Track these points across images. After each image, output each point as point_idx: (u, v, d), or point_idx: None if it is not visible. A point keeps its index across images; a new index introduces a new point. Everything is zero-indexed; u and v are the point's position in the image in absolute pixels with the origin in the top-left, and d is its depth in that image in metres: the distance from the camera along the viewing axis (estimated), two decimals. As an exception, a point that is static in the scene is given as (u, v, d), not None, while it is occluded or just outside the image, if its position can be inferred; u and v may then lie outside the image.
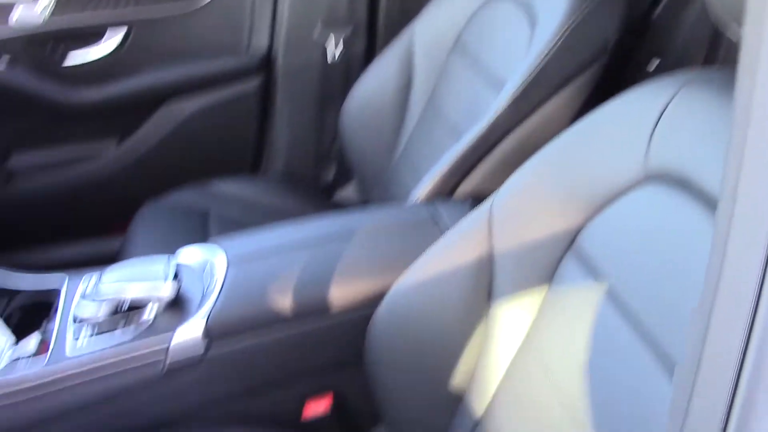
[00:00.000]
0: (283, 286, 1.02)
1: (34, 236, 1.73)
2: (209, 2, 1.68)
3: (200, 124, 1.76)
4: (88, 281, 1.07)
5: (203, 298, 1.02)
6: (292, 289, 1.02)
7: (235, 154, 1.82)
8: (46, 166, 1.72)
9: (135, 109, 1.72)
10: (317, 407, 1.07)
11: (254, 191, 1.64)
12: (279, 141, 1.80)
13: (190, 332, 0.99)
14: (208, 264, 1.08)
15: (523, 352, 0.85)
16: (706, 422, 0.43)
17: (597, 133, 0.81)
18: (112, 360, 0.96)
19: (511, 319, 0.86)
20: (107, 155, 1.75)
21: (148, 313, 1.01)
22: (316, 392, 1.08)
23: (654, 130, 0.74)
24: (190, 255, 1.11)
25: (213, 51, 1.74)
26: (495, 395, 0.86)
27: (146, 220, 1.52)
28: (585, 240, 0.80)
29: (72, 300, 1.06)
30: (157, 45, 1.70)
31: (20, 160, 1.72)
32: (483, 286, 0.87)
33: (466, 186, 1.21)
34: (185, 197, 1.57)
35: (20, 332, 1.04)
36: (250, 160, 1.83)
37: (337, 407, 1.08)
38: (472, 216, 0.91)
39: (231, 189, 1.62)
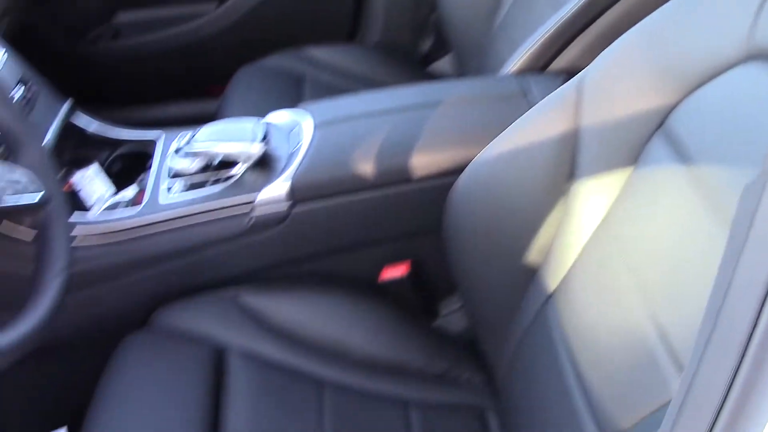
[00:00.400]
0: (368, 151, 1.03)
1: (135, 95, 1.79)
2: None
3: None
4: (182, 138, 1.11)
5: (289, 159, 1.05)
6: (376, 155, 1.03)
7: (332, 22, 1.81)
8: (149, 25, 1.75)
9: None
10: (394, 272, 1.10)
11: (350, 59, 1.63)
12: (376, 10, 1.77)
13: (275, 191, 1.02)
14: (296, 127, 1.10)
15: (601, 233, 0.83)
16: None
17: (697, 7, 0.75)
18: (201, 211, 1.01)
19: (592, 198, 0.84)
20: (207, 16, 1.77)
21: (237, 171, 1.04)
22: (395, 258, 1.10)
23: (763, 3, 0.68)
24: (280, 117, 1.13)
25: None
26: (569, 273, 0.86)
27: (242, 83, 1.55)
28: (675, 120, 0.76)
29: (167, 155, 1.11)
30: None
31: (126, 17, 1.76)
32: (566, 162, 0.85)
33: (560, 61, 1.16)
34: (281, 62, 1.58)
35: (120, 182, 1.11)
36: (346, 29, 1.81)
37: (414, 274, 1.11)
38: (561, 90, 0.88)
39: (327, 56, 1.61)
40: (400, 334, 1.08)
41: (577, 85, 0.85)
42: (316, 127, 1.08)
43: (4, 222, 0.86)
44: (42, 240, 0.80)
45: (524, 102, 1.07)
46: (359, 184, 1.03)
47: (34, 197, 0.79)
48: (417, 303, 1.15)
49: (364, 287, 1.11)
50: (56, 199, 0.82)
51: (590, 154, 0.84)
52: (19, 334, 0.71)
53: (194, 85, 1.80)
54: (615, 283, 0.78)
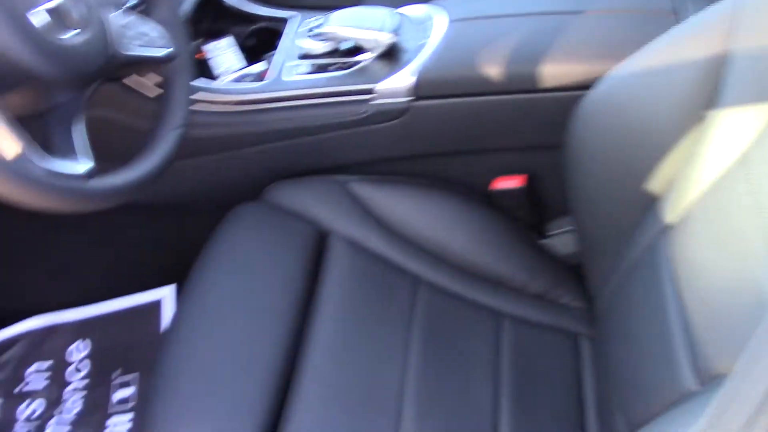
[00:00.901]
0: (499, 53, 0.99)
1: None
2: None
3: None
4: (315, 20, 1.10)
5: (417, 53, 1.02)
6: (507, 58, 0.98)
7: None
8: None
9: None
10: (507, 183, 1.07)
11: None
12: None
13: (398, 83, 1.00)
14: (429, 21, 1.06)
15: (734, 171, 0.77)
16: None
17: None
18: (322, 93, 1.01)
19: (731, 131, 0.77)
20: None
21: (364, 58, 1.03)
22: (509, 169, 1.07)
23: None
24: (414, 10, 1.10)
25: None
26: (691, 208, 0.80)
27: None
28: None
29: (298, 35, 1.11)
30: None
31: None
32: (708, 88, 0.78)
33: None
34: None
35: (249, 58, 1.13)
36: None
37: (528, 188, 1.08)
38: (714, 9, 0.80)
39: None
40: (504, 247, 1.06)
41: (733, 6, 0.77)
42: (450, 22, 1.04)
43: (133, 76, 0.89)
44: (164, 94, 0.83)
45: (672, 19, 0.99)
46: (485, 87, 0.99)
47: (162, 51, 0.81)
48: (526, 218, 1.12)
49: (473, 194, 1.09)
50: (182, 57, 0.84)
51: (738, 82, 0.77)
52: (131, 178, 0.74)
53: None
54: (740, 226, 0.72)
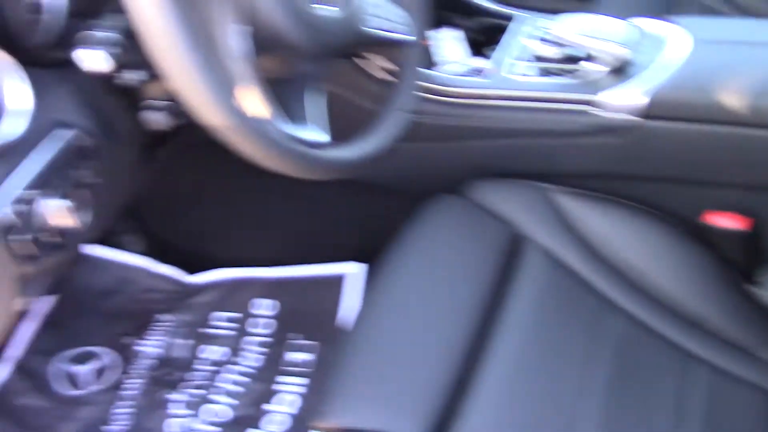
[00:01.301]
0: (743, 82, 0.92)
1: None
2: None
3: None
4: (545, 23, 1.08)
5: (653, 71, 0.97)
6: (751, 89, 0.92)
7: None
8: None
9: None
10: (724, 220, 1.00)
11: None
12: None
13: (625, 99, 0.96)
14: (668, 39, 1.01)
15: None
16: None
17: None
18: (545, 98, 0.99)
19: None
20: None
21: (595, 69, 0.99)
22: (728, 206, 1.00)
23: None
24: (653, 26, 1.05)
25: None
26: None
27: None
28: None
29: (522, 34, 1.09)
30: None
31: None
32: None
33: None
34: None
35: (472, 51, 1.13)
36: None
37: (752, 233, 1.00)
38: None
39: None
40: (708, 285, 1.00)
41: None
42: (695, 43, 0.98)
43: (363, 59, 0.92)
44: (397, 77, 0.84)
45: None
46: (723, 116, 0.93)
47: (402, 36, 0.83)
48: (737, 261, 1.04)
49: (682, 224, 1.03)
50: (418, 45, 0.85)
51: None
52: (357, 153, 0.77)
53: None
54: None
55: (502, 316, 0.90)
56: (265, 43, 0.70)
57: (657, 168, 1.00)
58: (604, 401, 0.85)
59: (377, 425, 0.80)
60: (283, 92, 0.74)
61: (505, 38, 1.11)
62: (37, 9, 0.70)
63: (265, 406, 1.17)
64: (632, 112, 0.96)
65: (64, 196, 0.72)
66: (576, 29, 1.00)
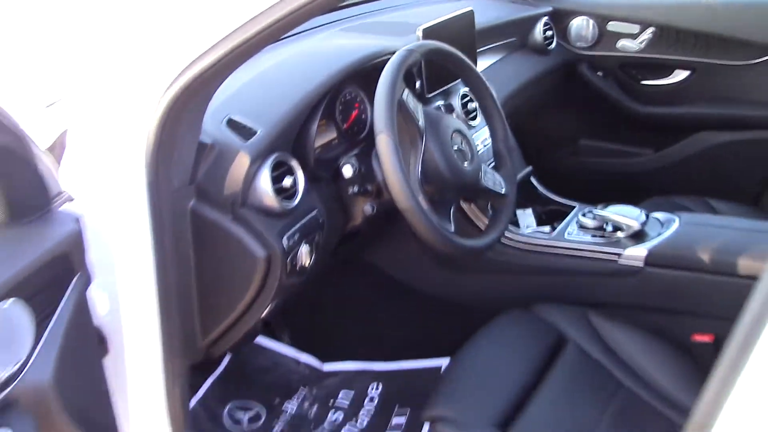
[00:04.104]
0: (709, 246, 1.47)
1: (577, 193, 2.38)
2: (762, 61, 2.11)
3: (725, 154, 2.21)
4: (592, 209, 1.68)
5: (653, 237, 1.54)
6: (714, 250, 1.46)
7: (742, 187, 2.22)
8: (600, 152, 2.39)
9: (676, 129, 2.26)
10: (703, 337, 1.49)
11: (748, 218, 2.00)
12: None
13: (637, 252, 1.52)
14: (668, 221, 1.59)
15: None
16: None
17: None
18: (586, 248, 1.56)
19: None
20: (644, 159, 2.34)
21: (619, 234, 1.57)
22: (705, 328, 1.50)
23: None
24: (659, 213, 1.63)
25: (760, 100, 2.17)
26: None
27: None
28: None
29: (576, 215, 1.69)
30: (712, 86, 2.20)
31: (587, 144, 2.43)
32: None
33: None
34: (684, 202, 2.03)
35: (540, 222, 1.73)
36: (753, 194, 2.21)
37: (714, 347, 1.49)
38: None
39: (726, 209, 1.97)
40: (689, 379, 1.46)
41: None
42: (681, 223, 1.55)
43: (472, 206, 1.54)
44: (492, 218, 1.45)
45: None
46: (700, 268, 1.47)
47: (503, 191, 1.44)
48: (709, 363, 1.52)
49: (674, 340, 1.52)
50: (511, 198, 1.45)
51: None
52: (476, 244, 1.34)
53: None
54: None
55: (546, 376, 1.39)
56: (433, 179, 1.31)
57: (656, 301, 1.53)
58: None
59: (462, 417, 1.28)
60: (438, 207, 1.33)
61: (569, 217, 1.71)
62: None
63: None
64: (638, 261, 1.51)
65: (308, 244, 1.30)
66: (612, 211, 1.60)
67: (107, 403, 1.12)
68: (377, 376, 1.84)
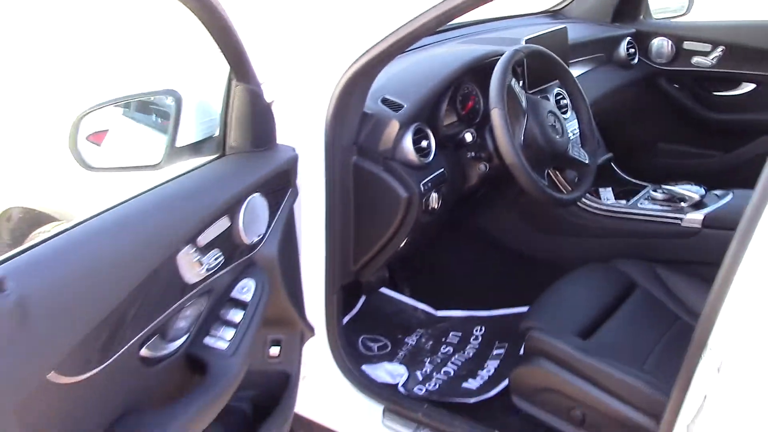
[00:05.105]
0: None
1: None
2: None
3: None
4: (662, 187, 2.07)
5: (710, 206, 1.92)
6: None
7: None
8: (676, 154, 2.77)
9: (742, 134, 2.62)
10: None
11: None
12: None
13: (696, 216, 1.91)
14: (724, 195, 1.96)
15: None
16: None
17: None
18: (655, 214, 1.95)
19: None
20: (714, 160, 2.70)
21: (684, 203, 1.96)
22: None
23: None
24: (717, 190, 2.01)
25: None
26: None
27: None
28: None
29: (649, 191, 2.09)
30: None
31: (664, 147, 2.81)
32: None
33: None
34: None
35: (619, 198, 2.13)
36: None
37: None
38: None
39: None
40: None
41: None
42: (735, 196, 1.93)
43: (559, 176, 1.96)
44: (578, 179, 1.86)
45: None
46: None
47: (586, 161, 1.86)
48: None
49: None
50: (592, 169, 1.87)
51: None
52: (566, 197, 1.76)
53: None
54: None
55: (618, 308, 1.78)
56: (532, 145, 1.75)
57: (711, 256, 1.89)
58: (659, 353, 1.67)
59: (551, 326, 1.69)
60: (535, 168, 1.77)
61: (640, 194, 2.11)
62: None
63: (476, 371, 2.06)
64: (697, 223, 1.90)
65: (436, 192, 1.75)
66: (681, 187, 1.99)
67: (300, 288, 1.59)
68: (480, 320, 2.27)
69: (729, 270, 1.11)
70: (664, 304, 1.83)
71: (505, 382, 1.91)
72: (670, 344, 1.69)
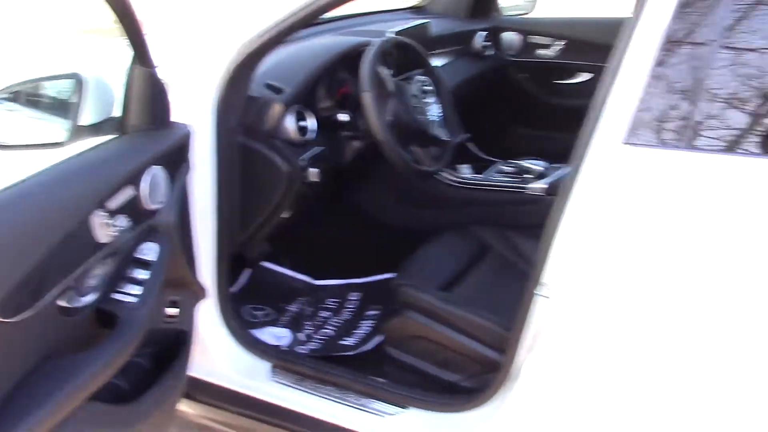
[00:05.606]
0: None
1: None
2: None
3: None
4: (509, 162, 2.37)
5: (552, 176, 2.23)
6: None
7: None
8: (527, 135, 3.11)
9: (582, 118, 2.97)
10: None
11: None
12: None
13: (539, 186, 2.21)
14: (564, 167, 2.28)
15: None
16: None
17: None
18: (505, 184, 2.24)
19: None
20: (557, 142, 3.05)
21: (529, 175, 2.26)
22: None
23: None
24: (560, 165, 2.33)
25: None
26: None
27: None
28: None
29: (499, 165, 2.38)
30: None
31: (515, 129, 3.14)
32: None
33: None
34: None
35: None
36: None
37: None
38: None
39: None
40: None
41: None
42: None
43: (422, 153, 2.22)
44: (438, 155, 2.12)
45: None
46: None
47: (445, 138, 2.11)
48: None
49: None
50: (452, 145, 2.13)
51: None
52: (426, 169, 2.01)
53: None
54: None
55: (474, 266, 2.06)
56: (398, 123, 1.99)
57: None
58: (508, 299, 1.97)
59: (417, 281, 1.94)
60: (402, 145, 2.01)
61: (490, 167, 2.40)
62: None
63: (353, 331, 2.29)
64: (541, 192, 2.20)
65: (316, 168, 1.96)
66: (525, 163, 2.29)
67: (194, 253, 1.76)
68: (356, 287, 2.50)
69: (554, 221, 1.38)
70: (513, 261, 2.13)
71: (380, 338, 2.15)
72: (517, 292, 1.98)
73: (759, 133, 1.23)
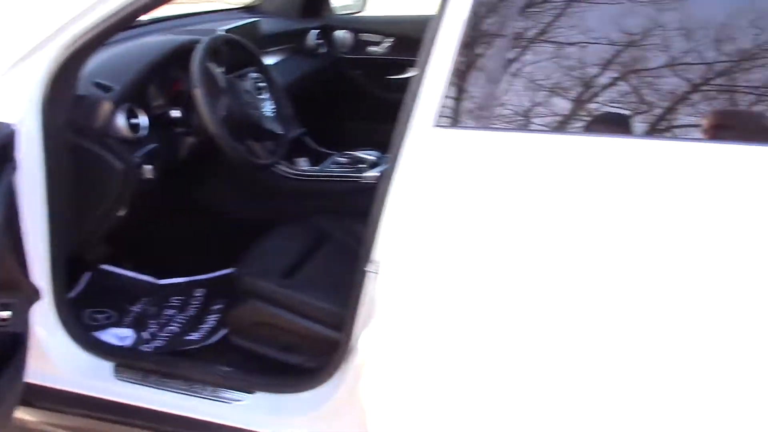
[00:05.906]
0: None
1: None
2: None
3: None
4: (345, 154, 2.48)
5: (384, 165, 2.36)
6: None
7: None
8: (363, 128, 3.24)
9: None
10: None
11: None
12: None
13: (372, 174, 2.33)
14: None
15: None
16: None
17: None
18: (340, 174, 2.35)
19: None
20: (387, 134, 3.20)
21: (362, 165, 2.38)
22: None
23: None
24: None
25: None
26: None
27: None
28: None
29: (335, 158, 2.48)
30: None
31: (350, 122, 3.26)
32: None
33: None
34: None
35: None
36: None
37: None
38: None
39: None
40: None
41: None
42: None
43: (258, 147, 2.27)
44: (273, 148, 2.19)
45: None
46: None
47: (280, 132, 2.19)
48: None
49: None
50: (286, 139, 2.21)
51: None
52: (261, 161, 2.07)
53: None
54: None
55: (315, 253, 2.14)
56: (231, 118, 2.04)
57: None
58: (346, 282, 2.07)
59: (259, 270, 2.00)
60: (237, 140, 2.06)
61: (328, 159, 2.49)
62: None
63: (198, 326, 2.31)
64: (374, 180, 2.32)
65: (151, 165, 1.97)
66: (359, 154, 2.40)
67: (26, 255, 1.72)
68: (200, 283, 2.52)
69: (380, 201, 1.49)
70: (351, 246, 2.23)
71: (225, 331, 2.20)
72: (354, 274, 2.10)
73: (542, 114, 1.41)
